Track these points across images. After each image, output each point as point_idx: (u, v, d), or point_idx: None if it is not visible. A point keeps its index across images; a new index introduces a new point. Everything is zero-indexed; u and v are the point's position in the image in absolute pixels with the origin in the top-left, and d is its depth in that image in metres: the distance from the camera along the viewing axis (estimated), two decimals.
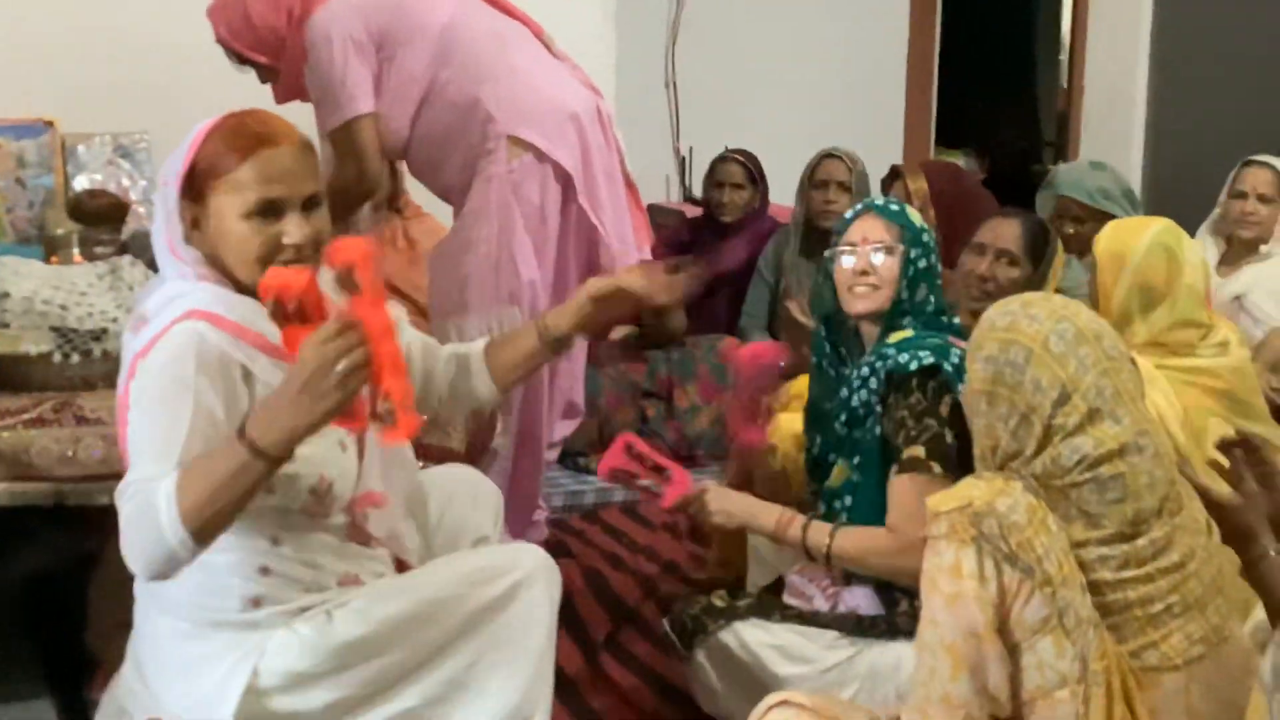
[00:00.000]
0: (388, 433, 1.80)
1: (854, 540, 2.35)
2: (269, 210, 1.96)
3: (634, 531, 3.81)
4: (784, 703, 2.00)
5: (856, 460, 2.42)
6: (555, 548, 3.21)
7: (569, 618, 3.09)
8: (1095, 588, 1.81)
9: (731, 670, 2.44)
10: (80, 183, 3.85)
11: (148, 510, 1.76)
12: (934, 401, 2.28)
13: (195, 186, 1.98)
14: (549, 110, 3.18)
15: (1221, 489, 1.92)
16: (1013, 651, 1.78)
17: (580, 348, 3.46)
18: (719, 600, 2.50)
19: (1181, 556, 1.84)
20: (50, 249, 3.40)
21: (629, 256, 3.30)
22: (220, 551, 1.95)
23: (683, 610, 2.51)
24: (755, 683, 2.40)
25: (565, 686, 2.76)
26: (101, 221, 3.42)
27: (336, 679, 2.02)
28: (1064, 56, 6.58)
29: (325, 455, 2.02)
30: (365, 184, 3.21)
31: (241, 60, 3.25)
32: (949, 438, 2.26)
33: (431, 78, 3.16)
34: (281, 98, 3.30)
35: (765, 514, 2.47)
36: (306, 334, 1.76)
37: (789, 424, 2.82)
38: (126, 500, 1.80)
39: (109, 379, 2.61)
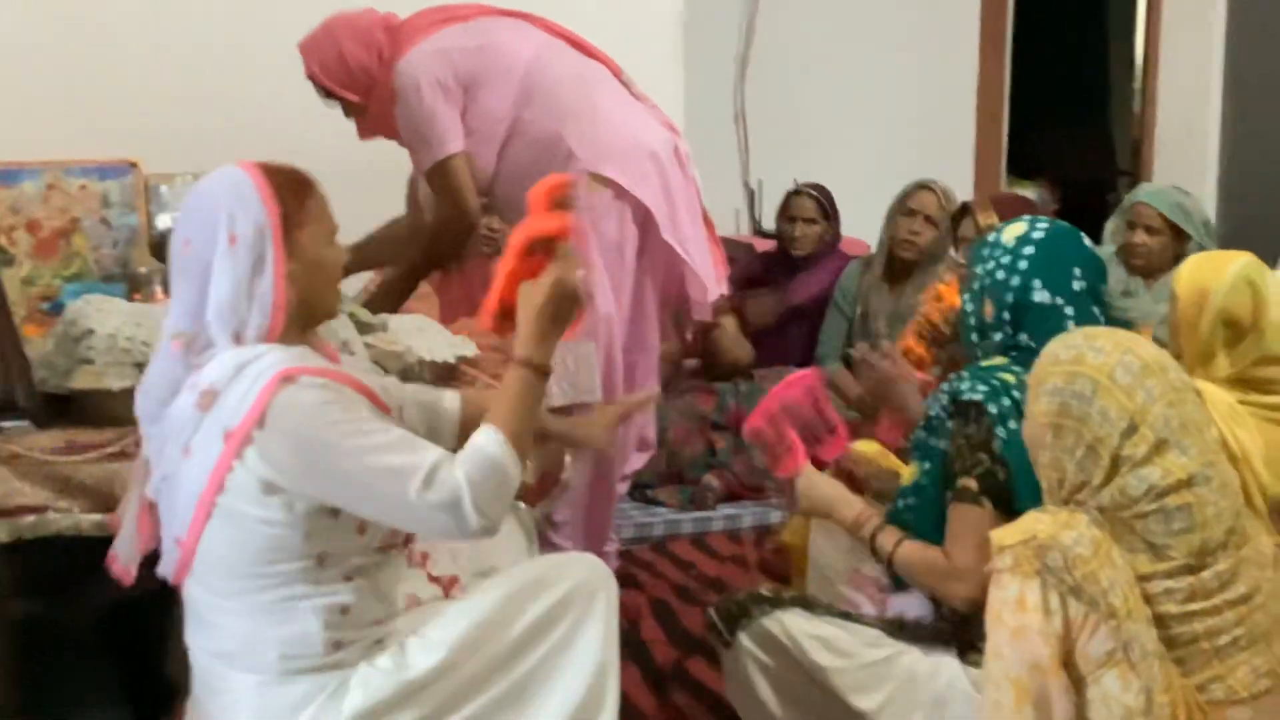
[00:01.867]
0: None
1: (912, 554, 2.37)
2: (333, 236, 2.13)
3: (702, 563, 3.83)
4: None
5: (926, 466, 2.43)
6: (624, 579, 3.23)
7: (636, 648, 3.12)
8: (1161, 621, 1.80)
9: (772, 656, 2.43)
10: (163, 222, 3.92)
11: (484, 461, 1.96)
12: (987, 437, 2.29)
13: (293, 216, 2.07)
14: (630, 148, 3.26)
15: None
16: (1078, 685, 1.78)
17: (656, 383, 3.49)
18: (766, 589, 2.52)
19: (1248, 589, 1.83)
20: (133, 287, 3.48)
21: (712, 291, 3.40)
22: (302, 598, 2.01)
23: (728, 597, 2.53)
24: (795, 669, 2.40)
25: (634, 715, 2.78)
26: None
27: (412, 705, 2.06)
28: (1137, 85, 6.53)
29: None
30: (465, 219, 3.30)
31: (329, 95, 3.33)
32: (1000, 474, 2.27)
33: (515, 116, 3.24)
34: (365, 134, 3.39)
35: (846, 506, 2.50)
36: (537, 268, 2.07)
37: (869, 449, 2.85)
38: (454, 468, 1.95)
39: None
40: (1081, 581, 1.76)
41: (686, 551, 3.94)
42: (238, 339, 2.03)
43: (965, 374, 2.37)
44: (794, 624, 2.43)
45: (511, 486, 2.01)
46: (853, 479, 2.76)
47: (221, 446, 1.97)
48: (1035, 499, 2.12)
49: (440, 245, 3.41)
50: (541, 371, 2.08)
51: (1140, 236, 4.32)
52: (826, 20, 5.81)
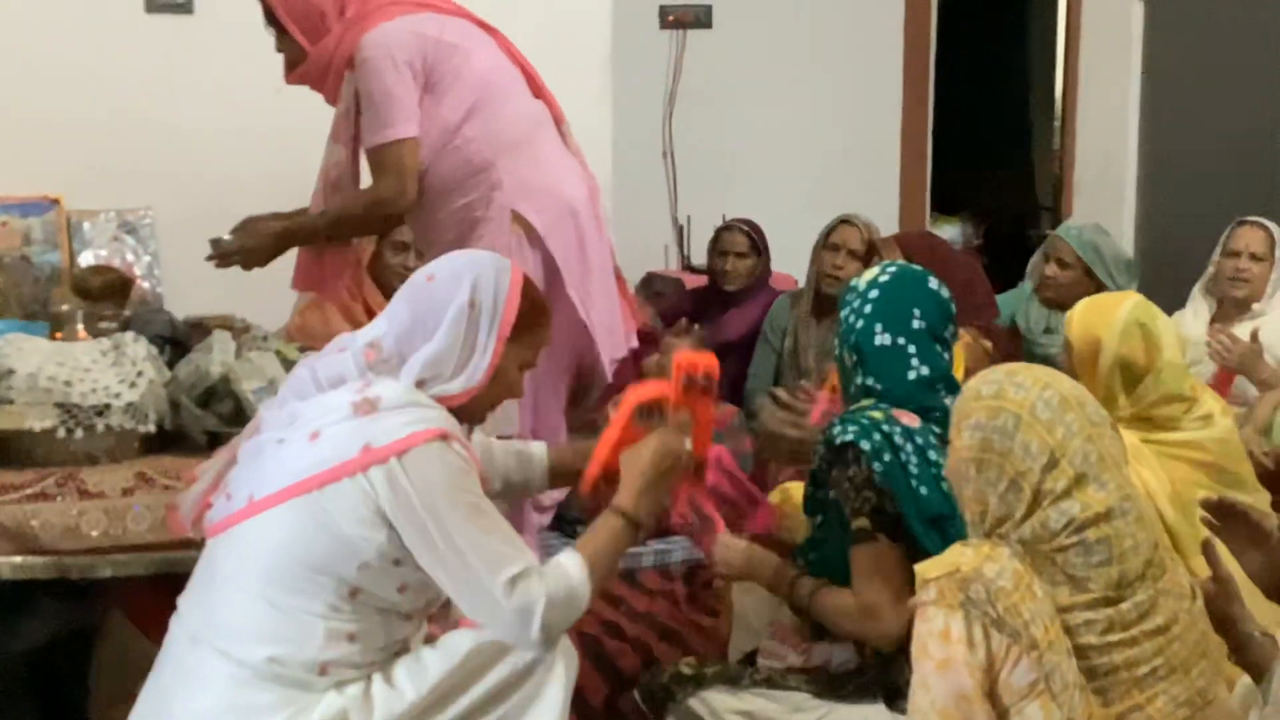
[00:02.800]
0: (689, 485, 2.44)
1: (827, 601, 2.43)
2: (526, 368, 2.28)
3: (632, 598, 3.81)
4: None
5: (819, 519, 2.49)
6: None
7: None
8: (1081, 652, 1.83)
9: None
10: (85, 259, 3.90)
11: (566, 586, 2.07)
12: (868, 473, 2.34)
13: (519, 330, 2.21)
14: (553, 199, 3.26)
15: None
16: (1001, 716, 1.81)
17: (563, 429, 3.48)
18: (687, 668, 2.54)
19: (1165, 620, 1.86)
20: (55, 325, 3.43)
21: (619, 348, 3.43)
22: (318, 617, 2.04)
23: (653, 679, 2.54)
24: None
25: None
26: (105, 298, 3.45)
27: None
28: (1057, 123, 6.64)
29: None
30: (402, 203, 3.21)
31: (275, 25, 3.24)
32: (889, 507, 2.32)
33: (457, 129, 3.21)
34: (292, 79, 3.30)
35: (764, 568, 2.55)
36: (643, 432, 2.27)
37: (797, 492, 2.86)
38: (538, 581, 2.05)
39: (111, 454, 2.65)
40: (1004, 614, 1.78)
41: (616, 587, 3.92)
42: (421, 385, 2.14)
43: (835, 421, 2.43)
44: (718, 702, 2.47)
45: (578, 616, 2.13)
46: (783, 547, 2.79)
47: (355, 454, 2.03)
48: (923, 522, 2.23)
49: (363, 219, 3.35)
50: (635, 524, 2.20)
51: (1053, 269, 4.41)
52: (753, 59, 5.87)
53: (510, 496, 2.56)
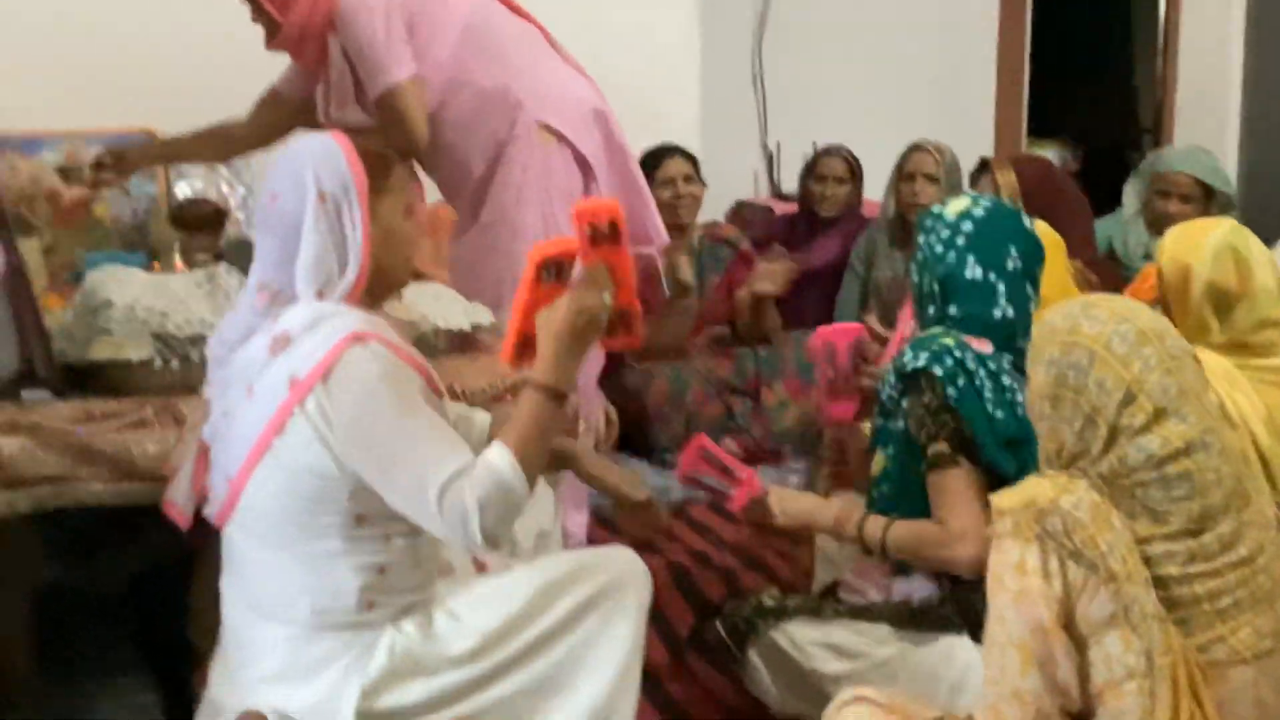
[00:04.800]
0: (624, 339, 2.21)
1: (905, 533, 2.40)
2: (410, 211, 2.19)
3: (720, 527, 3.84)
4: (859, 699, 2.04)
5: (890, 450, 2.47)
6: (642, 544, 3.25)
7: (654, 613, 3.13)
8: (1161, 583, 1.81)
9: (784, 670, 2.48)
10: (181, 190, 3.96)
11: (497, 481, 2.00)
12: (943, 397, 2.32)
13: (377, 181, 2.14)
14: (573, 103, 3.33)
15: None
16: (1080, 646, 1.80)
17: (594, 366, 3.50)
18: (770, 600, 2.54)
19: (1250, 551, 1.84)
20: (152, 257, 3.52)
21: (659, 238, 3.54)
22: (340, 554, 2.06)
23: (734, 612, 2.56)
24: (808, 682, 2.44)
25: (649, 678, 2.80)
26: (201, 229, 3.53)
27: (436, 678, 2.11)
28: (1160, 44, 6.47)
29: None
30: (415, 142, 3.22)
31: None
32: (966, 430, 2.30)
33: (458, 65, 3.24)
34: (271, 46, 3.31)
35: (823, 513, 2.54)
36: (555, 291, 2.12)
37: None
38: (467, 487, 1.98)
39: None
40: (1081, 545, 1.77)
41: (704, 515, 3.95)
42: (321, 295, 2.09)
43: (906, 349, 2.41)
44: (801, 634, 2.47)
45: (519, 508, 2.05)
46: (844, 450, 2.79)
47: (286, 392, 2.03)
48: (998, 446, 2.21)
49: None
50: (559, 396, 2.09)
51: (1174, 206, 4.29)
52: None
53: None
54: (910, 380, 2.38)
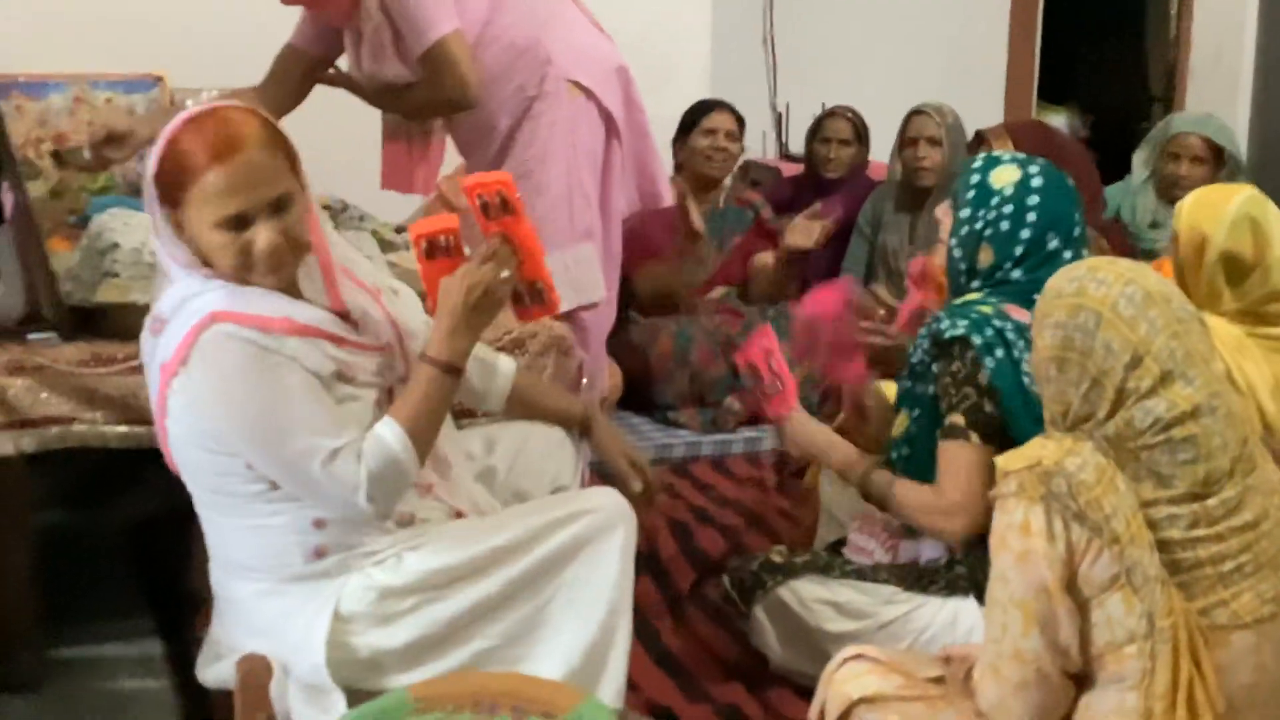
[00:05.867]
0: (538, 310, 2.23)
1: (905, 493, 2.41)
2: (238, 222, 1.98)
3: (721, 485, 3.86)
4: (858, 656, 2.05)
5: (916, 414, 2.46)
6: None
7: (655, 568, 3.16)
8: (1164, 546, 1.81)
9: (789, 626, 2.49)
10: None
11: (385, 456, 2.01)
12: (973, 370, 2.31)
13: (170, 194, 2.00)
14: (599, 60, 3.32)
15: None
16: (1082, 608, 1.80)
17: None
18: (777, 556, 2.55)
19: (1254, 516, 1.84)
20: None
21: (665, 197, 3.55)
22: (272, 515, 2.06)
23: (742, 566, 2.56)
24: (811, 639, 2.46)
25: (648, 632, 2.82)
26: None
27: (415, 618, 2.09)
28: (1173, 8, 6.43)
29: (372, 410, 2.11)
30: (468, 96, 3.15)
31: None
32: (988, 407, 2.29)
33: (488, 20, 3.20)
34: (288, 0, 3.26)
35: (836, 451, 2.56)
36: (447, 266, 2.09)
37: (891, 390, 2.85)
38: (353, 461, 1.98)
39: None
40: (1085, 507, 1.77)
41: (706, 474, 3.97)
42: (191, 273, 2.03)
43: (943, 314, 2.39)
44: (808, 591, 2.48)
45: (408, 482, 2.06)
46: (862, 410, 2.79)
47: (160, 377, 2.02)
48: (1031, 420, 2.16)
49: (431, 113, 3.36)
50: (452, 370, 2.08)
51: (1185, 168, 4.29)
52: None
53: (464, 403, 2.48)
54: (945, 347, 2.37)
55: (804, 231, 4.43)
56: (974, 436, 2.31)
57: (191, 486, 2.13)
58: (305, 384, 2.01)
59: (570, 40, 3.29)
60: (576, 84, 3.26)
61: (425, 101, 3.23)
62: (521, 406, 2.49)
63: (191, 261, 2.03)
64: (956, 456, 2.32)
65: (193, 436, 2.04)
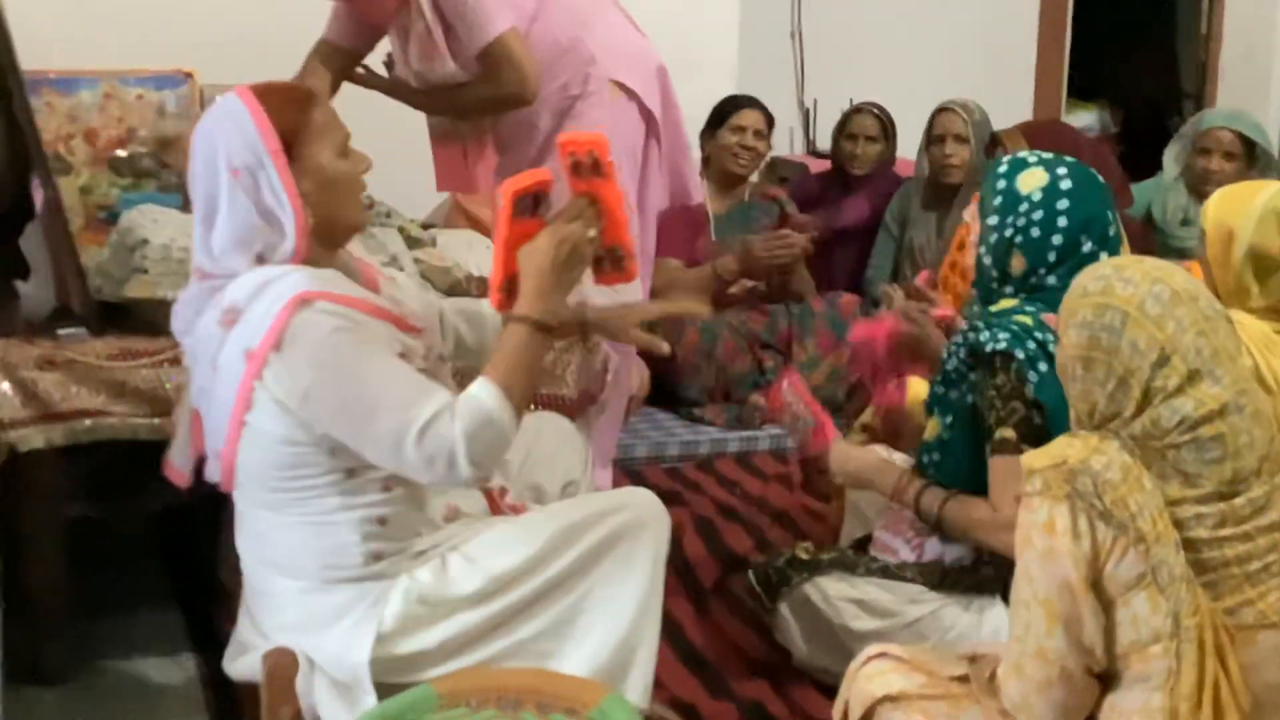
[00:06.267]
0: (615, 277, 2.22)
1: (959, 513, 2.39)
2: (343, 149, 2.11)
3: (747, 482, 3.86)
4: (882, 654, 2.04)
5: (949, 420, 2.45)
6: (669, 496, 3.27)
7: (680, 564, 3.16)
8: (1191, 545, 1.80)
9: (813, 623, 2.49)
10: None
11: (481, 417, 1.98)
12: (1019, 383, 2.29)
13: (287, 139, 2.05)
14: (640, 59, 3.34)
15: None
16: (1107, 607, 1.79)
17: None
18: (803, 553, 2.55)
19: None
20: (187, 197, 3.52)
21: (695, 197, 3.61)
22: (337, 510, 2.06)
23: (768, 563, 2.56)
24: (836, 637, 2.46)
25: (673, 628, 2.83)
26: None
27: (453, 620, 2.10)
28: (1204, 4, 6.38)
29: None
30: (528, 91, 3.16)
31: None
32: (1037, 419, 2.28)
33: (534, 17, 3.21)
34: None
35: (884, 477, 2.53)
36: (531, 228, 2.09)
37: (921, 388, 2.84)
38: (450, 423, 1.96)
39: None
40: (1110, 506, 1.76)
41: (732, 470, 3.97)
42: (260, 261, 2.05)
43: (980, 325, 2.37)
44: (833, 589, 2.47)
45: (507, 441, 2.04)
46: (896, 429, 2.78)
47: (244, 365, 2.00)
48: None
49: (489, 110, 3.33)
50: (543, 328, 2.08)
51: (1216, 163, 4.26)
52: None
53: (464, 360, 2.45)
54: (985, 359, 2.34)
55: (764, 247, 4.38)
56: (1027, 449, 2.28)
57: (245, 484, 2.12)
58: (397, 358, 2.04)
59: (612, 40, 3.30)
60: (619, 84, 3.27)
61: (483, 99, 3.23)
62: None
63: (285, 250, 2.04)
64: (1010, 471, 2.27)
65: (277, 427, 2.02)
